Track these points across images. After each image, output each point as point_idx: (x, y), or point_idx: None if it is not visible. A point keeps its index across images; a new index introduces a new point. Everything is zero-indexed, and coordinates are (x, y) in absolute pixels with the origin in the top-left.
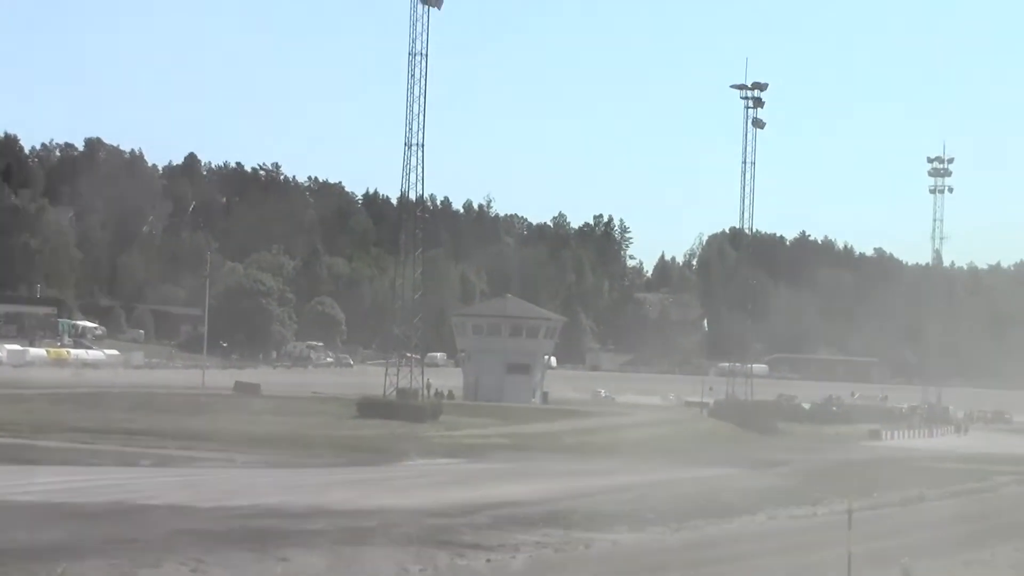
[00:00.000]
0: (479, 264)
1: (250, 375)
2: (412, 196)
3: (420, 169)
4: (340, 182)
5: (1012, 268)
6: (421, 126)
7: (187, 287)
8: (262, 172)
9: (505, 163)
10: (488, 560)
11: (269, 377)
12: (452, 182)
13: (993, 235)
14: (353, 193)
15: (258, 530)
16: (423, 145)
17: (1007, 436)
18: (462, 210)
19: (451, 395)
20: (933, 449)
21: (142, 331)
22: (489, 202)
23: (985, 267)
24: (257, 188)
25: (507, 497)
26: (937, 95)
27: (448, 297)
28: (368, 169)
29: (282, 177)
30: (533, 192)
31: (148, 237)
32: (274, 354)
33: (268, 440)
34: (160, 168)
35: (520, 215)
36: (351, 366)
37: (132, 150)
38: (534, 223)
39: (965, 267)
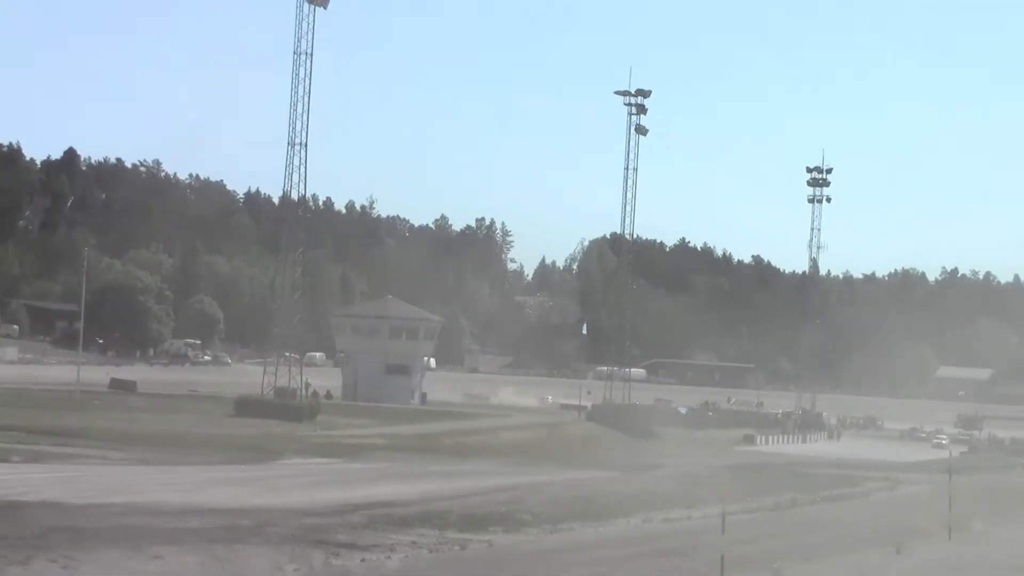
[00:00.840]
0: (360, 265)
1: (126, 372)
2: (294, 196)
3: (302, 169)
4: (222, 180)
5: (886, 278)
6: (304, 125)
7: (63, 283)
8: (142, 168)
9: (388, 165)
10: (363, 560)
11: (146, 375)
12: (335, 183)
13: (869, 245)
14: (235, 192)
15: (131, 527)
16: (306, 145)
17: (878, 442)
18: (344, 211)
19: (329, 395)
20: (806, 454)
21: (16, 327)
22: (372, 203)
23: (860, 276)
24: (137, 184)
25: (383, 497)
26: (817, 106)
27: (328, 298)
28: (250, 168)
29: (163, 174)
30: (416, 194)
31: (24, 232)
32: (151, 352)
33: (143, 438)
34: (38, 162)
35: (402, 217)
36: (229, 365)
37: (9, 143)
38: (416, 225)
39: (841, 276)
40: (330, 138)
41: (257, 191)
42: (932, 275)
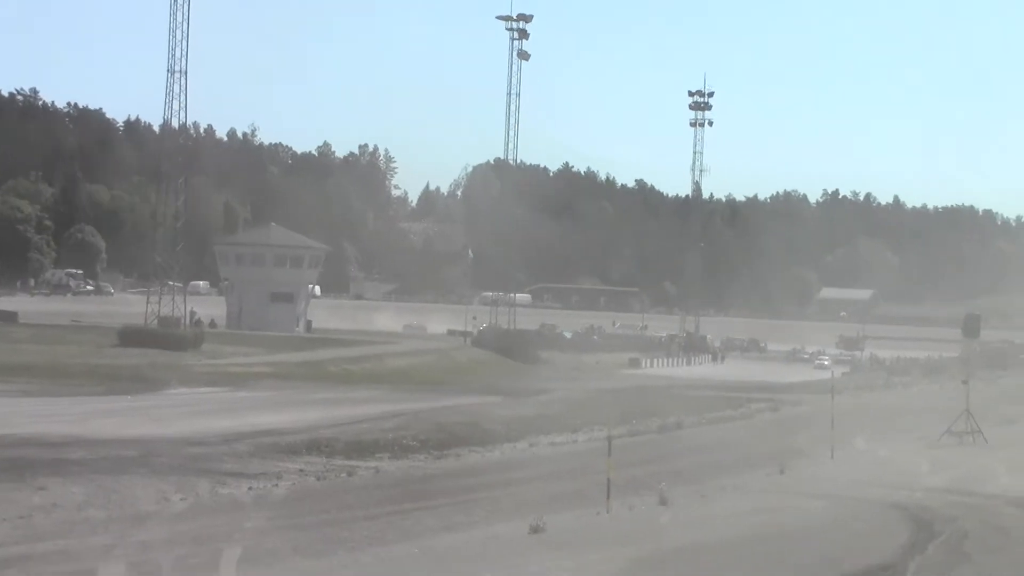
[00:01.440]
0: (243, 193)
1: (7, 303)
2: (174, 124)
3: (183, 96)
4: (101, 108)
5: (768, 201)
6: (184, 53)
7: None
8: (19, 97)
9: (270, 92)
10: (250, 488)
11: (26, 305)
12: (216, 110)
13: (751, 169)
14: (114, 120)
15: (14, 460)
16: (186, 72)
17: (761, 364)
18: (226, 138)
19: (214, 324)
20: (691, 377)
21: None
22: (254, 131)
23: (743, 199)
24: (14, 113)
25: (270, 426)
26: (699, 30)
27: (211, 226)
28: (130, 96)
29: (40, 102)
30: (298, 121)
31: None
32: (32, 282)
33: (25, 369)
34: None
35: (285, 144)
36: (112, 295)
37: None
38: (299, 152)
39: (724, 199)
40: (211, 65)
41: (137, 119)
42: (813, 197)
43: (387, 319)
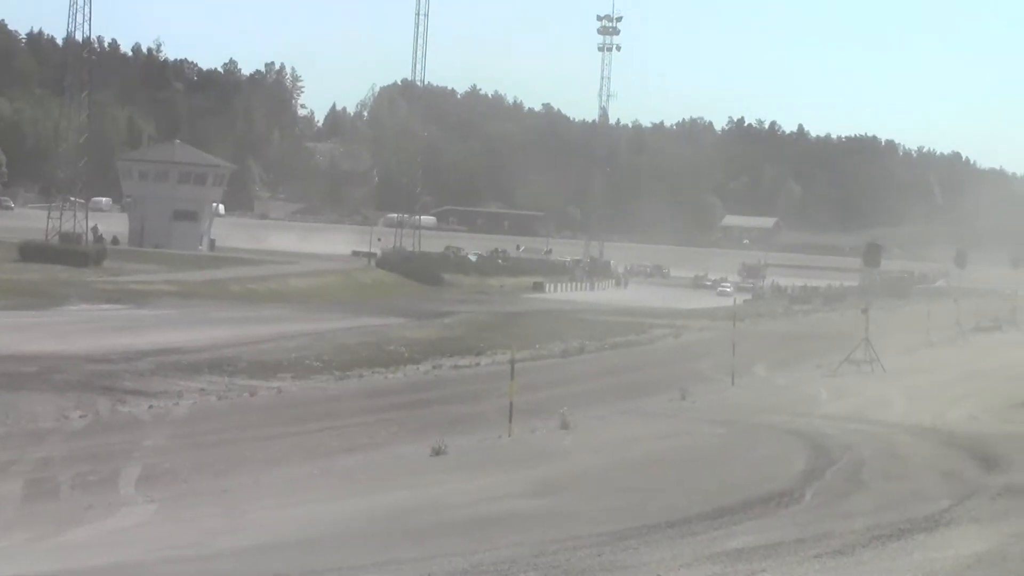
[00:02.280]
0: (147, 109)
1: None
2: (78, 37)
3: (87, 9)
4: (3, 20)
5: (674, 127)
6: None
7: None
8: None
9: (175, 6)
10: (150, 407)
11: None
12: (120, 24)
13: (658, 95)
14: (16, 32)
15: None
16: None
17: (664, 289)
18: (131, 53)
19: (116, 241)
20: (595, 302)
21: None
22: (159, 46)
23: (649, 125)
24: None
25: (171, 344)
26: None
27: (115, 141)
28: (32, 7)
29: None
30: (204, 38)
31: None
32: None
33: None
34: None
35: (190, 60)
36: (12, 209)
37: None
38: (204, 69)
39: (630, 125)
40: None
41: (40, 32)
42: (719, 125)
43: (291, 239)
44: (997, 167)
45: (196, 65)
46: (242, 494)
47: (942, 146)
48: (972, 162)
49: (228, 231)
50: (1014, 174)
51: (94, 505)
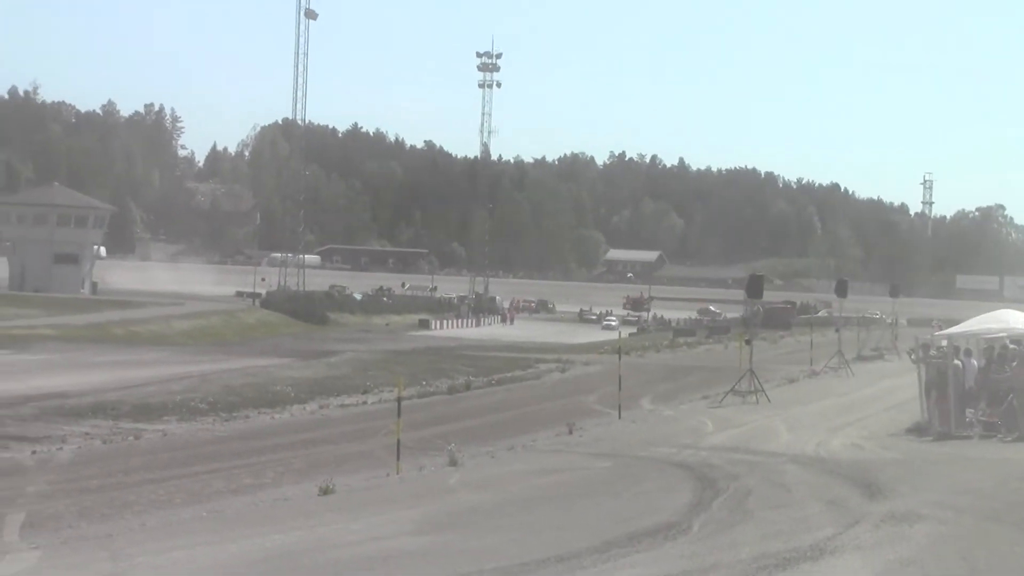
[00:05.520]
0: (24, 152)
1: None
2: None
3: None
4: None
5: (556, 162)
6: None
7: None
8: None
9: (53, 48)
10: (34, 452)
11: None
12: None
13: (539, 131)
14: None
15: None
16: None
17: (550, 325)
18: (6, 95)
19: None
20: (480, 338)
21: None
22: (35, 88)
23: (531, 161)
24: None
25: (54, 388)
26: None
27: None
28: None
29: None
30: (81, 79)
31: None
32: None
33: None
34: None
35: (68, 102)
36: None
37: None
38: (83, 111)
39: (512, 161)
40: None
41: None
42: (600, 159)
43: (174, 280)
44: (875, 197)
45: (74, 107)
46: (127, 539)
47: (821, 177)
48: (851, 192)
49: (110, 273)
50: (891, 204)
51: None
